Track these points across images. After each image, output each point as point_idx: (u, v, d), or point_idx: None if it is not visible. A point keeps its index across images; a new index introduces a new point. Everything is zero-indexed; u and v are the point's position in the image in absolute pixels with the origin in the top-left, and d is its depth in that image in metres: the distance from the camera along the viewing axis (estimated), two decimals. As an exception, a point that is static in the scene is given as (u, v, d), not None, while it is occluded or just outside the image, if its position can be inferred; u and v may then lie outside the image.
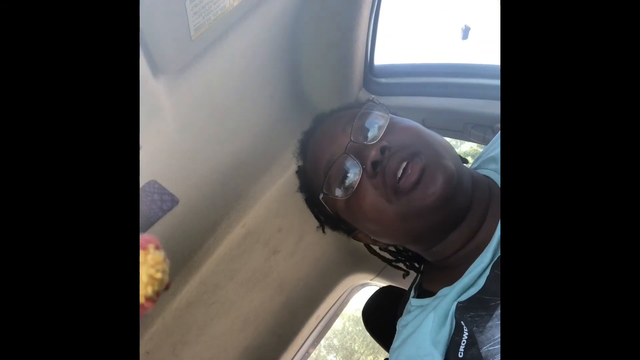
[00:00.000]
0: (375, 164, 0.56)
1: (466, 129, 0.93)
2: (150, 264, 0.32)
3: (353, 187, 0.58)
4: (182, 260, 1.05)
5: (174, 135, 0.76)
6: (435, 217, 0.55)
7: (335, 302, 1.52)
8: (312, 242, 1.32)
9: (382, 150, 0.56)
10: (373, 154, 0.56)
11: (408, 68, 1.06)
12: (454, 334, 0.53)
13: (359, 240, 0.69)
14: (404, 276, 0.75)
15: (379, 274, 1.41)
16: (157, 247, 0.33)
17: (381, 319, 1.02)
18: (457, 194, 0.55)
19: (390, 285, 1.11)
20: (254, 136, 0.99)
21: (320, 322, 1.50)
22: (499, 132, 0.74)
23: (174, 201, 0.75)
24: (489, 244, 0.54)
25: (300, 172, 0.74)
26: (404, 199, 0.55)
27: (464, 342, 0.51)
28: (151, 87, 0.62)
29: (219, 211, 1.06)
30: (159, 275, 0.32)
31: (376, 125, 0.61)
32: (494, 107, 0.89)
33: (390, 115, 0.61)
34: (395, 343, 0.61)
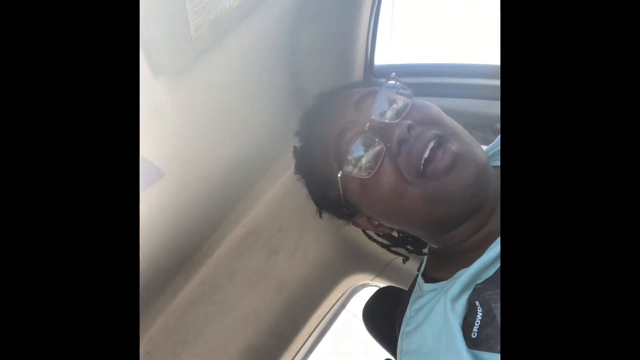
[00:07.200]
0: (401, 143, 0.55)
1: (466, 129, 0.93)
2: None
3: (374, 167, 0.56)
4: (182, 260, 1.05)
5: (174, 136, 0.76)
6: (461, 205, 0.54)
7: (336, 302, 1.52)
8: (312, 242, 1.32)
9: (408, 128, 0.55)
10: (399, 132, 0.55)
11: (408, 68, 1.06)
12: (466, 314, 0.51)
13: (357, 225, 0.67)
14: (404, 261, 0.73)
15: (379, 274, 1.41)
16: None
17: (381, 319, 1.02)
18: (486, 185, 0.54)
19: (390, 286, 1.11)
20: (254, 136, 0.99)
21: (320, 322, 1.49)
22: None
23: (159, 174, 0.73)
24: None
25: (301, 152, 0.71)
26: (432, 183, 0.53)
27: (477, 322, 0.49)
28: (151, 88, 0.62)
29: (219, 211, 1.06)
30: None
31: (398, 104, 0.59)
32: (494, 107, 0.89)
33: (413, 94, 0.59)
34: (408, 327, 0.58)
